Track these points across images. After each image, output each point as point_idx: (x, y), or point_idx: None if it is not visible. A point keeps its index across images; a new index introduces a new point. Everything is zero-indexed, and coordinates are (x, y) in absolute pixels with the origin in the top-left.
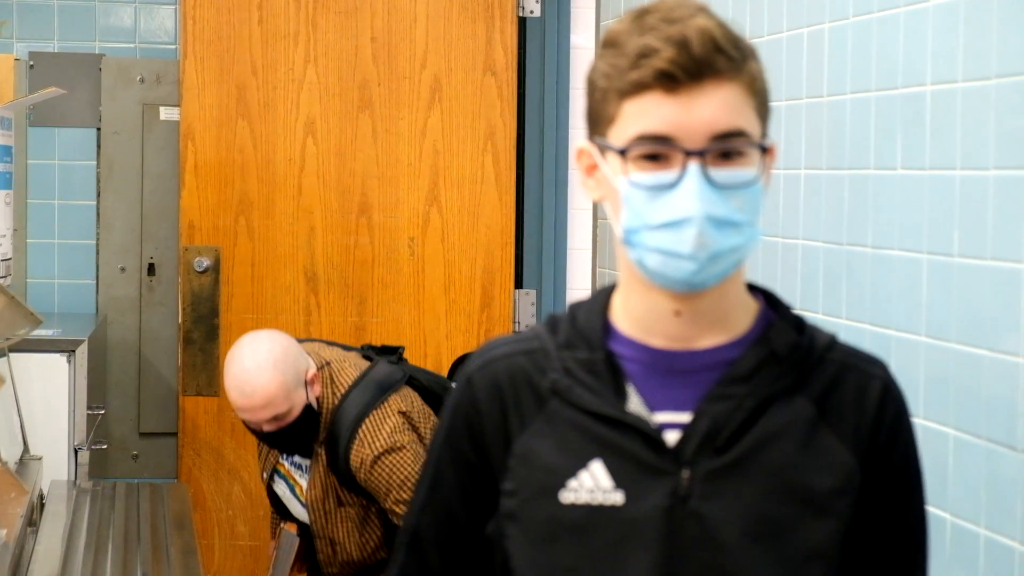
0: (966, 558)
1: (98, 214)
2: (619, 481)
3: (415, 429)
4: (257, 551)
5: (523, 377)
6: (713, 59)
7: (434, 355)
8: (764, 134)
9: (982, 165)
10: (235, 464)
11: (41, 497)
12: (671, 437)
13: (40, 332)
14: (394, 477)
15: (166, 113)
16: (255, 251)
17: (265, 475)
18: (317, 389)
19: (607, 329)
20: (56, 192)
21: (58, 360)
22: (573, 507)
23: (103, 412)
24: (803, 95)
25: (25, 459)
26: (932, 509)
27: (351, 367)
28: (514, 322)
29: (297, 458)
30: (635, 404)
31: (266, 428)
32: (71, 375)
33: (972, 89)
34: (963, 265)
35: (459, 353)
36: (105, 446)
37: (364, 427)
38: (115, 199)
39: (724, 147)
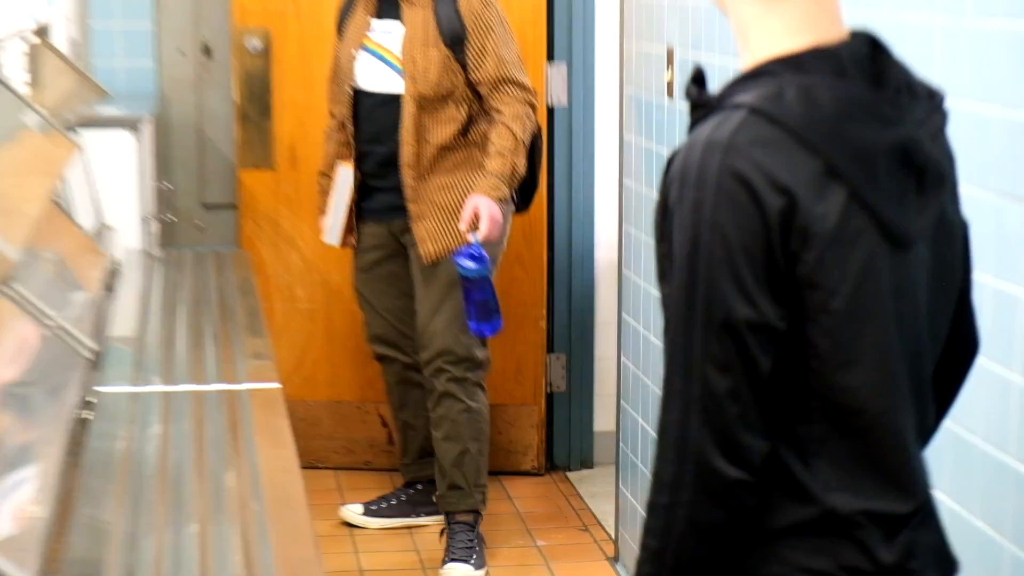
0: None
1: None
2: None
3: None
4: (314, 313)
5: None
6: None
7: None
8: None
9: None
10: (291, 233)
11: (116, 264)
12: None
13: (107, 109)
14: (493, 24)
15: None
16: (303, 32)
17: (353, 51)
18: None
19: None
20: None
21: (125, 136)
22: None
23: (172, 189)
24: None
25: (100, 229)
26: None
27: None
28: (547, 95)
29: (386, 26)
30: None
31: None
32: (138, 150)
33: None
34: None
35: None
36: (174, 219)
37: None
38: None
39: None
